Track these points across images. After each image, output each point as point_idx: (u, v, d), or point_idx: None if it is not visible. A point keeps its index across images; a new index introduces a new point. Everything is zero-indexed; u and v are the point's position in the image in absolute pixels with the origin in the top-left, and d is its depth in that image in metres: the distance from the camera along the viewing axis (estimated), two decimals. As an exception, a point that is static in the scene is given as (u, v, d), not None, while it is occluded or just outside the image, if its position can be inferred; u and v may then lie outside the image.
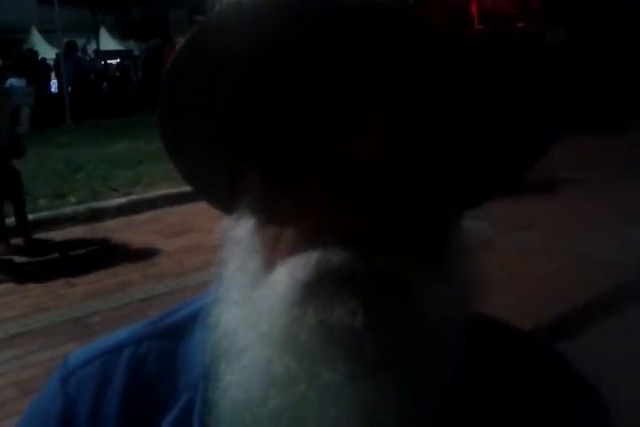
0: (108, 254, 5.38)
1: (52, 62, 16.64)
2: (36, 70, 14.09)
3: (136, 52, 24.16)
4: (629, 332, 3.39)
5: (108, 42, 24.41)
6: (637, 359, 2.95)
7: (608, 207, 5.49)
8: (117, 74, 23.58)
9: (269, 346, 0.51)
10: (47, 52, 18.16)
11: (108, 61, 23.88)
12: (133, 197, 6.82)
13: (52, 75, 15.90)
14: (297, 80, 0.54)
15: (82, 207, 6.42)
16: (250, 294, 0.53)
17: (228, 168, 0.61)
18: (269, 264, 0.53)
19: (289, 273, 0.51)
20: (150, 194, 6.79)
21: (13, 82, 8.42)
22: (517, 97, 0.54)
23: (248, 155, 0.58)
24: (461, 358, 0.53)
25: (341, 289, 0.49)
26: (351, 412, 0.49)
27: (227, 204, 0.62)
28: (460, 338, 0.53)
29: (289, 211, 0.52)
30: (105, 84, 20.35)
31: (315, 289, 0.49)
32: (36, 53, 16.58)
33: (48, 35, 19.87)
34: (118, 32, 25.28)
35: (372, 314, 0.48)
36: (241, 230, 0.56)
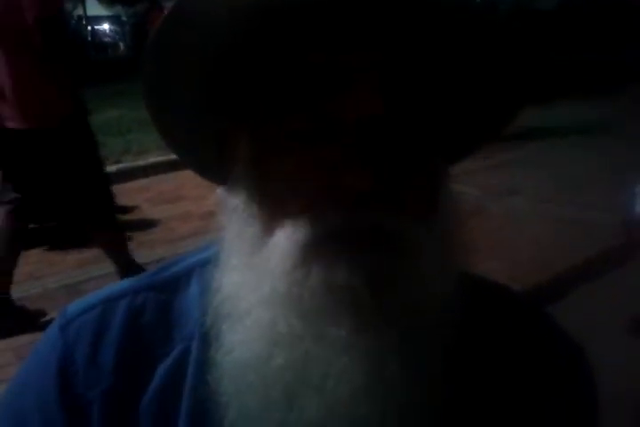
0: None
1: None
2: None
3: (124, 18, 23.70)
4: (615, 295, 3.44)
5: (94, 7, 23.90)
6: (621, 323, 3.00)
7: (596, 171, 5.51)
8: (109, 41, 23.10)
9: (272, 307, 0.53)
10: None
11: (95, 27, 23.41)
12: (124, 165, 6.76)
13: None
14: (282, 41, 0.55)
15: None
16: (250, 259, 0.55)
17: (218, 136, 0.62)
18: (268, 229, 0.54)
19: (288, 236, 0.52)
20: (141, 162, 6.73)
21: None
22: (502, 55, 0.56)
23: (237, 120, 0.59)
24: (456, 312, 0.55)
25: (340, 248, 0.50)
26: (355, 364, 0.51)
27: (217, 173, 0.63)
28: (454, 292, 0.55)
29: (282, 174, 0.53)
30: (92, 50, 19.97)
31: (315, 250, 0.51)
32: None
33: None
34: (105, -4, 24.75)
35: (371, 271, 0.50)
36: (236, 197, 0.58)
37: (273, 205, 0.54)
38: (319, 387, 0.51)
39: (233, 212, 0.58)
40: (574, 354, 0.68)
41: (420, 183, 0.54)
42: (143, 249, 4.64)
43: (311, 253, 0.51)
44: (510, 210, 5.01)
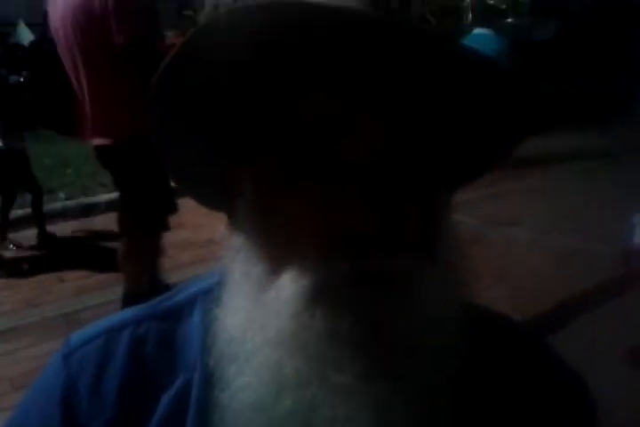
0: (98, 250, 5.36)
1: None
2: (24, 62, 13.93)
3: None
4: (614, 325, 3.42)
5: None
6: (620, 354, 2.98)
7: (596, 200, 5.53)
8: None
9: (278, 349, 0.52)
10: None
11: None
12: (123, 192, 6.78)
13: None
14: (289, 85, 0.55)
15: (71, 203, 6.40)
16: (256, 301, 0.55)
17: (222, 173, 0.62)
18: (273, 270, 0.54)
19: (293, 279, 0.52)
20: (140, 189, 6.75)
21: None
22: (501, 90, 0.57)
23: (241, 159, 0.60)
24: (460, 346, 0.55)
25: (344, 295, 0.50)
26: (361, 412, 0.51)
27: (220, 203, 0.64)
28: (458, 326, 0.55)
29: (285, 216, 0.53)
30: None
31: (321, 294, 0.51)
32: (23, 47, 16.40)
33: (35, 28, 19.68)
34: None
35: (377, 318, 0.50)
36: (240, 237, 0.58)
37: (277, 247, 0.54)
38: None
39: (237, 251, 0.58)
40: (574, 383, 0.68)
41: (423, 219, 0.55)
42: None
43: (316, 297, 0.51)
44: (510, 240, 5.01)
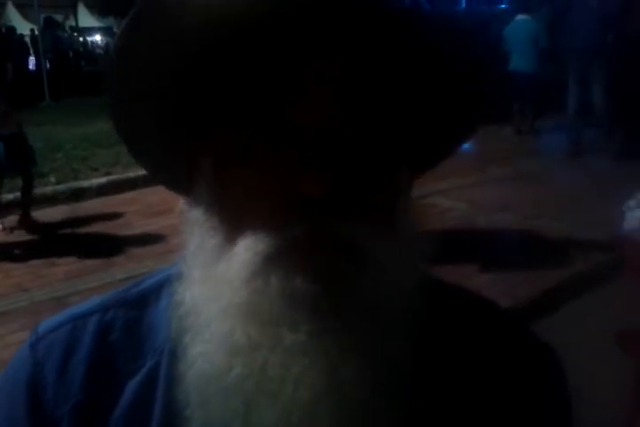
0: (88, 234, 5.36)
1: (27, 39, 16.34)
2: (13, 47, 13.83)
3: (116, 29, 23.75)
4: (604, 310, 3.45)
5: (86, 18, 23.98)
6: (610, 338, 3.02)
7: (586, 187, 5.56)
8: (100, 51, 23.13)
9: (231, 317, 0.53)
10: (22, 28, 17.80)
11: (88, 38, 23.48)
12: (114, 176, 6.77)
13: (31, 51, 15.61)
14: (240, 49, 0.55)
15: (62, 187, 6.38)
16: (210, 271, 0.55)
17: (182, 151, 0.62)
18: (228, 240, 0.54)
19: (248, 246, 0.52)
20: (131, 174, 6.73)
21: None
22: (464, 68, 0.57)
23: (198, 133, 0.60)
24: (416, 317, 0.55)
25: (299, 257, 0.51)
26: (313, 368, 0.51)
27: (184, 186, 0.63)
28: (414, 297, 0.56)
29: (241, 184, 0.54)
30: (83, 61, 20.01)
31: (274, 259, 0.51)
32: (14, 30, 16.26)
33: (24, 9, 19.48)
34: (97, 8, 24.82)
35: (329, 279, 0.51)
36: (198, 210, 0.58)
37: (233, 216, 0.55)
38: (277, 394, 0.51)
39: (194, 224, 0.58)
40: (543, 355, 0.68)
41: (378, 192, 0.55)
42: (131, 262, 4.64)
43: (270, 262, 0.51)
44: (500, 225, 5.04)
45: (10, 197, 5.66)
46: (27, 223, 5.42)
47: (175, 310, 0.58)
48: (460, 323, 0.66)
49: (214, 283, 0.55)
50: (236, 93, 0.56)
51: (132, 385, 0.61)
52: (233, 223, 0.54)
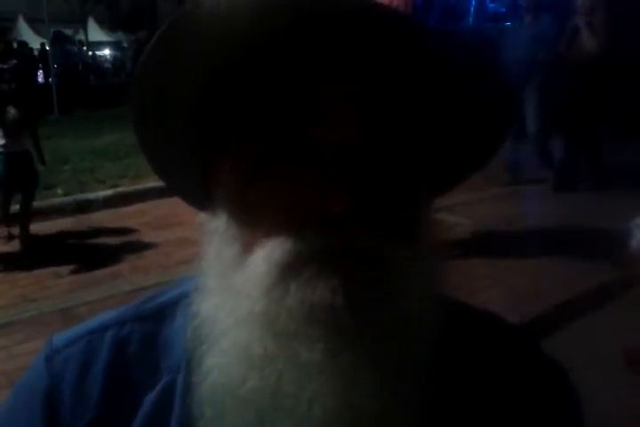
0: (94, 246, 5.37)
1: (36, 52, 16.49)
2: (23, 60, 13.95)
3: (125, 44, 23.97)
4: (612, 327, 3.43)
5: (96, 33, 24.17)
6: (618, 356, 3.00)
7: (593, 203, 5.55)
8: (109, 66, 23.30)
9: (248, 328, 0.53)
10: (33, 42, 17.98)
11: (97, 53, 23.66)
12: (120, 189, 6.79)
13: (39, 65, 15.75)
14: (266, 69, 0.56)
15: (69, 199, 6.40)
16: (228, 280, 0.55)
17: (203, 164, 0.63)
18: (247, 251, 0.54)
19: (266, 256, 0.52)
20: (138, 186, 6.76)
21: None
22: (485, 91, 0.58)
23: (218, 147, 0.60)
24: (436, 336, 0.55)
25: (321, 268, 0.51)
26: (328, 388, 0.50)
27: (201, 199, 0.64)
28: (434, 316, 0.55)
29: (263, 196, 0.54)
30: (92, 75, 20.15)
31: (294, 269, 0.51)
32: (25, 44, 16.42)
33: (35, 24, 19.66)
34: (107, 23, 25.05)
35: (350, 292, 0.50)
36: (217, 221, 0.58)
37: (252, 227, 0.55)
38: (291, 410, 0.51)
39: (213, 233, 0.58)
40: (557, 378, 0.68)
41: (400, 210, 0.55)
42: (137, 274, 4.64)
43: (290, 273, 0.51)
44: (506, 241, 5.02)
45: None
46: (23, 238, 5.37)
47: (192, 320, 0.58)
48: (472, 341, 0.65)
49: (232, 293, 0.55)
50: (259, 110, 0.56)
51: (148, 400, 0.60)
52: (252, 234, 0.54)
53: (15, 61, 6.42)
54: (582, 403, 0.68)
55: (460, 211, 5.32)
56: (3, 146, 5.11)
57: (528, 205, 5.95)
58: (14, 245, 5.30)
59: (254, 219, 0.55)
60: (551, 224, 5.26)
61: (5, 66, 5.62)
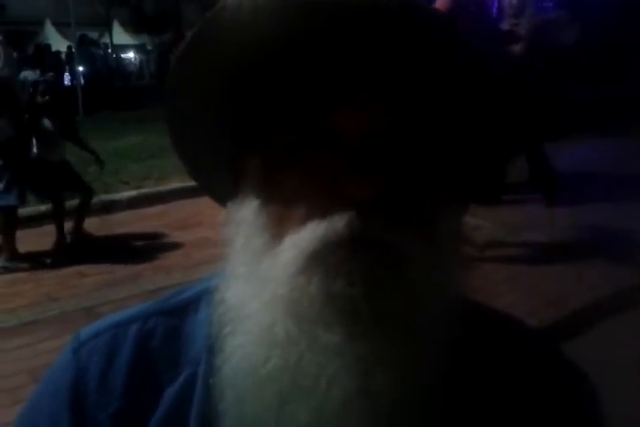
0: (118, 246, 5.43)
1: (63, 55, 16.69)
2: (50, 63, 14.12)
3: (149, 47, 24.15)
4: (631, 333, 3.40)
5: (120, 36, 24.40)
6: (637, 362, 2.97)
7: (613, 209, 5.49)
8: (134, 69, 23.45)
9: (272, 311, 0.54)
10: (60, 45, 18.21)
11: (121, 55, 23.84)
12: (144, 190, 6.86)
13: (66, 68, 15.93)
14: (289, 66, 0.58)
15: (94, 200, 6.45)
16: (255, 267, 0.57)
17: (231, 158, 0.65)
18: (275, 239, 0.56)
19: (293, 244, 0.54)
20: (161, 187, 6.82)
21: (27, 75, 8.54)
22: (506, 89, 0.59)
23: (250, 143, 0.62)
24: (454, 333, 0.56)
25: (343, 257, 0.52)
26: (348, 369, 0.52)
27: (228, 195, 0.65)
28: (451, 312, 0.56)
29: (289, 188, 0.56)
30: (117, 77, 20.31)
31: (318, 258, 0.53)
32: (50, 47, 16.64)
33: (61, 28, 19.90)
34: (131, 26, 25.27)
35: (370, 282, 0.52)
36: (245, 210, 0.60)
37: (280, 216, 0.56)
38: (311, 390, 0.52)
39: (240, 223, 0.60)
40: (578, 382, 0.68)
41: (422, 199, 0.56)
42: (159, 274, 4.68)
43: (314, 261, 0.53)
44: (527, 245, 4.99)
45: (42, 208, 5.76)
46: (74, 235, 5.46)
47: (216, 308, 0.60)
48: (492, 342, 0.66)
49: (258, 279, 0.56)
50: (284, 102, 0.58)
51: (170, 392, 0.62)
52: (280, 222, 0.56)
53: (52, 74, 6.48)
54: (603, 407, 0.69)
55: (481, 214, 5.31)
56: (39, 157, 5.19)
57: (548, 210, 5.90)
58: (39, 245, 5.37)
59: (283, 207, 0.56)
60: (571, 229, 5.22)
61: (42, 78, 5.70)
